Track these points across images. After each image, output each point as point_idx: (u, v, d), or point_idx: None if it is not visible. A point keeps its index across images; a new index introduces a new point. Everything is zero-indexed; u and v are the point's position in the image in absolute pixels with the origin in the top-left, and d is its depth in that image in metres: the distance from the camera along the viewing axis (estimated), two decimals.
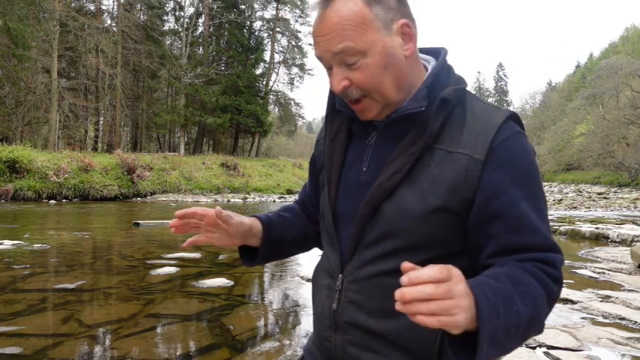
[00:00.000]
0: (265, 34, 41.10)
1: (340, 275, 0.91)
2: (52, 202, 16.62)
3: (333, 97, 0.97)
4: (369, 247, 0.87)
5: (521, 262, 0.79)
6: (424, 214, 0.82)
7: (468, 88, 0.89)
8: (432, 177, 0.82)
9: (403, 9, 0.85)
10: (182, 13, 37.01)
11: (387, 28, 0.83)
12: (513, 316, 0.70)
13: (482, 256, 0.83)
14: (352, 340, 0.89)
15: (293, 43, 41.86)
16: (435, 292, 0.62)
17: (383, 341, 0.86)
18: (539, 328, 0.77)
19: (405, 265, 0.64)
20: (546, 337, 3.17)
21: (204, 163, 26.31)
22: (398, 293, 0.63)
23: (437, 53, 0.93)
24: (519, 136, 0.84)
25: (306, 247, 1.17)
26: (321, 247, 1.18)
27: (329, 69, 0.87)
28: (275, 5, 39.42)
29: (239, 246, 1.08)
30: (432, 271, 0.62)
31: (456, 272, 0.65)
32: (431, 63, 0.92)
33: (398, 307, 0.63)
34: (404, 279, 0.62)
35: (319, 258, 1.06)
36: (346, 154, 0.95)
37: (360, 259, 0.88)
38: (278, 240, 1.08)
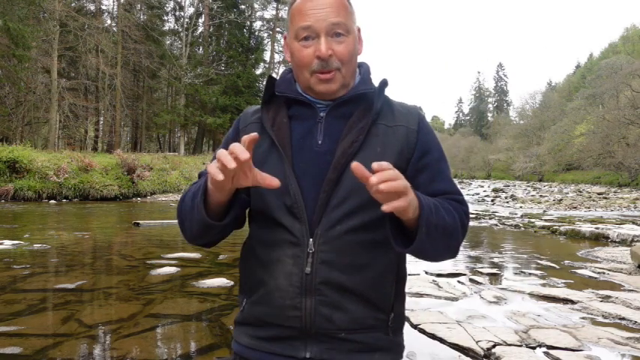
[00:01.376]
0: (265, 34, 41.10)
1: (311, 240, 0.98)
2: (52, 202, 16.59)
3: (272, 85, 1.10)
4: (335, 208, 0.98)
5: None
6: None
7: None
8: (383, 143, 1.03)
9: None
10: (182, 13, 37.01)
11: (355, 24, 1.07)
12: (440, 218, 0.93)
13: None
14: (325, 300, 0.97)
15: None
16: (399, 185, 0.83)
17: (352, 296, 0.98)
18: (456, 246, 1.00)
19: (361, 169, 0.82)
20: (546, 337, 3.17)
21: (204, 163, 26.31)
22: (377, 189, 0.81)
23: (360, 66, 1.14)
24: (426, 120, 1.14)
25: (225, 231, 1.05)
26: (215, 241, 1.08)
27: (311, 38, 1.01)
28: (275, 5, 39.41)
29: (203, 195, 0.95)
30: (393, 170, 0.83)
31: (397, 170, 0.84)
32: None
33: (379, 201, 0.84)
34: (380, 175, 0.81)
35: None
36: (291, 135, 1.05)
37: (329, 221, 0.98)
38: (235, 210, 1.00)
